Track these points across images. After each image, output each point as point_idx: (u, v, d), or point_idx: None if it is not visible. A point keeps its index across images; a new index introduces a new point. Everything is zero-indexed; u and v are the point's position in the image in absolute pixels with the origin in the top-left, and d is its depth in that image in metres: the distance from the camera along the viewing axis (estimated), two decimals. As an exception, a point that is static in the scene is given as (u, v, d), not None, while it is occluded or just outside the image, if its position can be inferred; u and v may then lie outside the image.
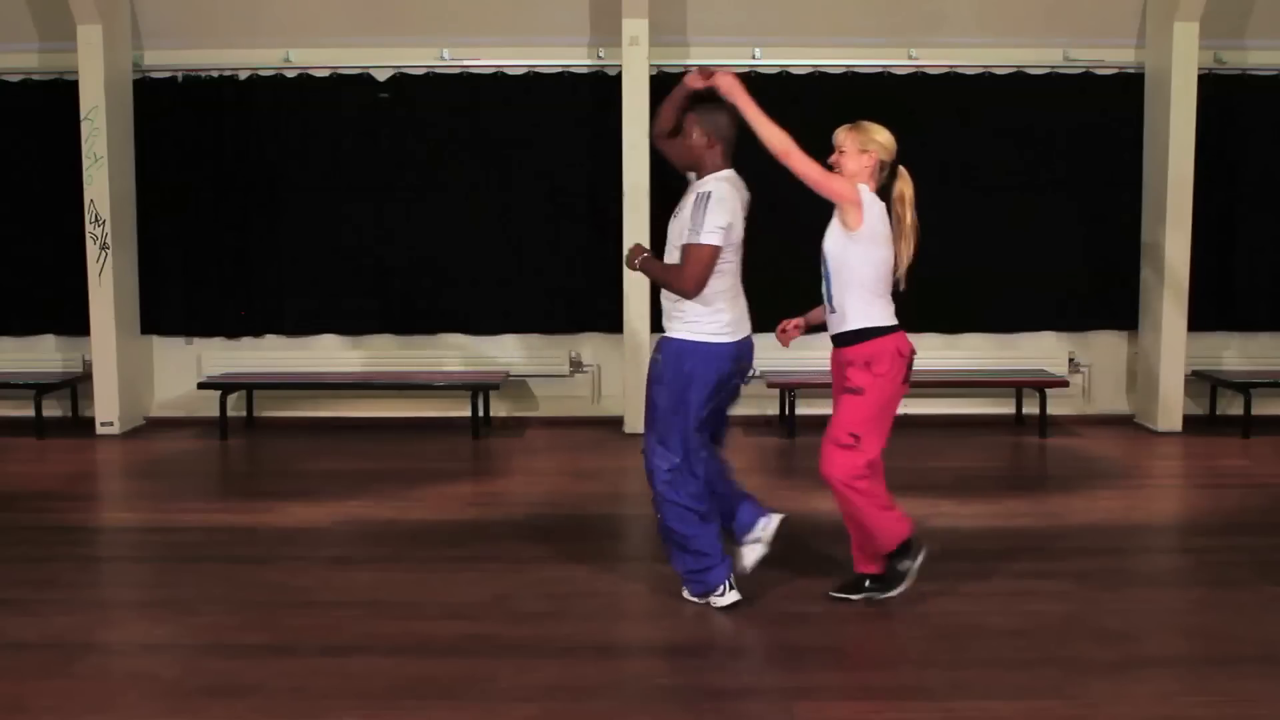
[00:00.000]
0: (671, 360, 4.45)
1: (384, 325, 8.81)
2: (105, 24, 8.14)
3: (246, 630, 4.38)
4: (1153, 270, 8.44)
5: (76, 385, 8.74)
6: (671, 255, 4.50)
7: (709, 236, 4.32)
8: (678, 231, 4.47)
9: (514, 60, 8.54)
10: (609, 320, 8.57)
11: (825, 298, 4.51)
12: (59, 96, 8.44)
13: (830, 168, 4.42)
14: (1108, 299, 8.69)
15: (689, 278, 4.34)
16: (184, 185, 8.67)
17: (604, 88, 8.46)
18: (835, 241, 4.43)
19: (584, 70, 8.57)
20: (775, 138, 4.25)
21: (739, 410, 9.27)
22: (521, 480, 7.04)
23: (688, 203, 4.45)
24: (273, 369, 8.79)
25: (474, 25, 8.49)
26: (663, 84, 8.40)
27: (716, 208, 4.34)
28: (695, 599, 4.59)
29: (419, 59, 8.55)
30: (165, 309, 8.78)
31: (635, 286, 8.26)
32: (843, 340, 4.47)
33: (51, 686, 3.85)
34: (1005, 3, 8.40)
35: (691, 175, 4.62)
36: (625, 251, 4.55)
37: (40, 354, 8.88)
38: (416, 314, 8.79)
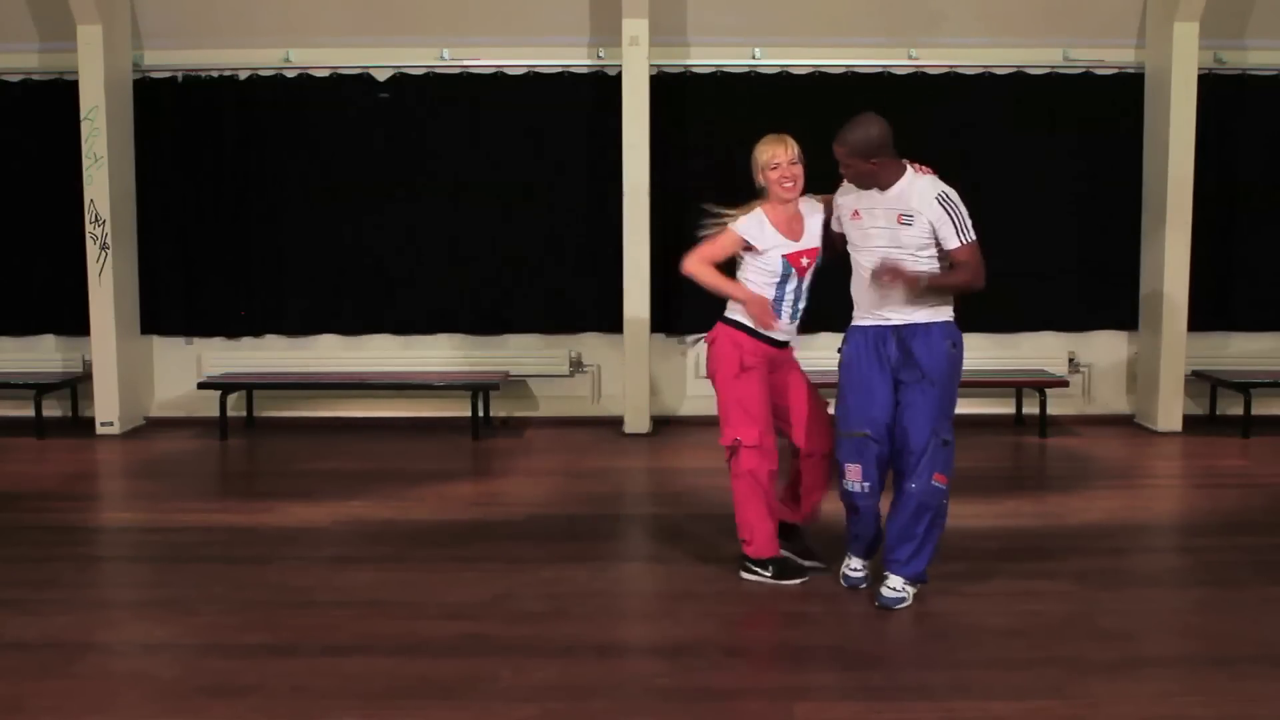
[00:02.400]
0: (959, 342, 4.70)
1: (384, 325, 8.81)
2: (105, 24, 8.14)
3: (246, 630, 4.37)
4: (1153, 270, 8.43)
5: (76, 385, 8.74)
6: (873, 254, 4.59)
7: (972, 232, 4.61)
8: (914, 237, 4.54)
9: (514, 60, 8.54)
10: (609, 320, 8.57)
11: (794, 304, 4.84)
12: (59, 96, 8.44)
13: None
14: (1108, 299, 8.69)
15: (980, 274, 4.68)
16: (184, 185, 8.67)
17: (604, 88, 8.46)
18: (820, 239, 4.87)
19: (584, 70, 8.57)
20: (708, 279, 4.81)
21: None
22: (521, 480, 7.04)
23: (920, 203, 4.51)
24: (273, 369, 8.79)
25: (474, 25, 8.49)
26: (663, 84, 8.42)
27: (960, 205, 4.58)
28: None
29: (419, 59, 8.55)
30: (165, 309, 8.78)
31: (635, 286, 8.26)
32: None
33: (51, 686, 3.85)
34: (1005, 3, 8.40)
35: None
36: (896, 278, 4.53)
37: (40, 354, 8.88)
38: (416, 314, 8.78)
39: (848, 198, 4.73)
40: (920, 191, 4.54)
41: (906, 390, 4.56)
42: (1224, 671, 3.93)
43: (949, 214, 4.53)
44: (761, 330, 4.78)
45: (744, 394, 4.76)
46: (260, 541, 5.61)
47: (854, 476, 4.61)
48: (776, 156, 4.70)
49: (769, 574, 4.82)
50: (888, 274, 4.47)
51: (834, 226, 4.85)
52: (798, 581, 4.80)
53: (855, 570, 4.83)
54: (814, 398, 4.94)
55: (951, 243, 4.56)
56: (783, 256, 4.74)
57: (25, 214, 8.67)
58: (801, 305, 4.86)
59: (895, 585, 4.56)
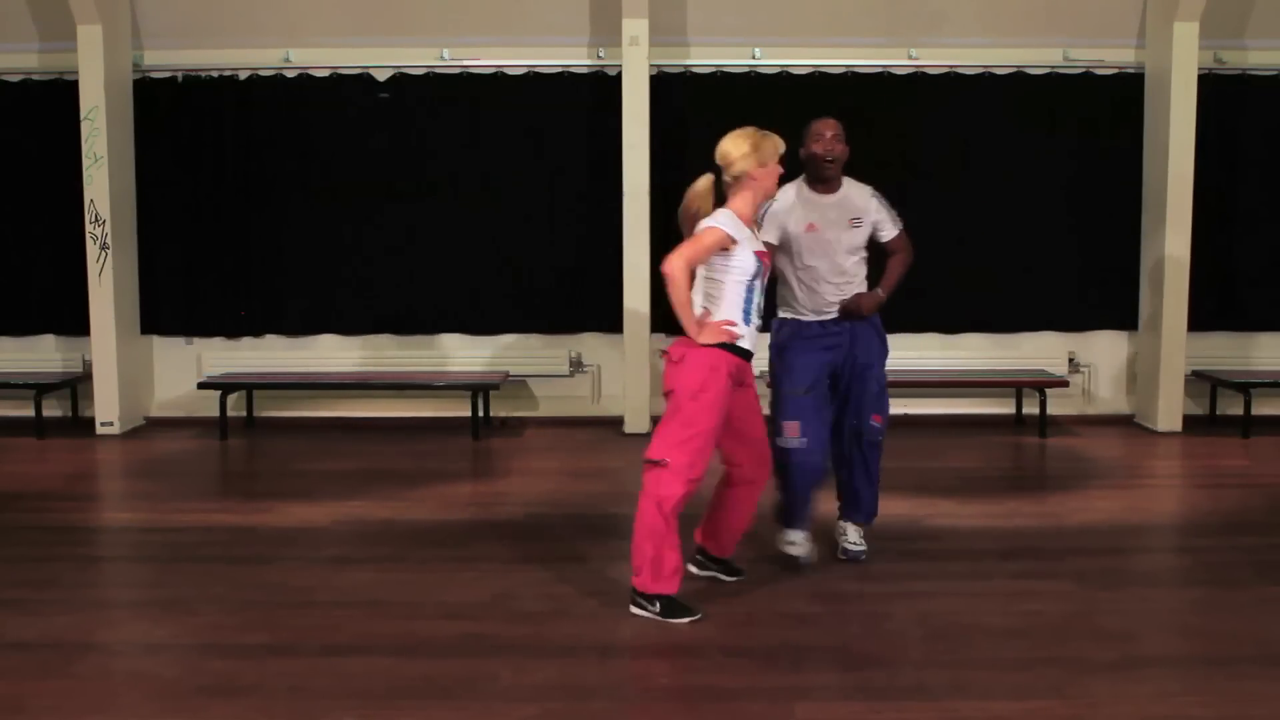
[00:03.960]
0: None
1: (384, 325, 8.82)
2: (105, 24, 8.15)
3: (246, 630, 4.38)
4: (1153, 270, 8.43)
5: (76, 385, 8.74)
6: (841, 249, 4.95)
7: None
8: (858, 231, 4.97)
9: (514, 60, 8.55)
10: (609, 320, 8.57)
11: (761, 308, 4.62)
12: (59, 96, 8.45)
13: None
14: (1108, 299, 8.69)
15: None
16: (184, 185, 8.67)
17: (604, 88, 8.46)
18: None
19: (584, 70, 8.57)
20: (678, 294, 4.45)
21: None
22: (521, 480, 7.04)
23: (864, 204, 4.98)
24: (273, 369, 8.79)
25: (474, 25, 8.49)
26: (663, 84, 8.43)
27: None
28: None
29: (419, 59, 8.55)
30: (165, 309, 8.79)
31: (635, 286, 8.26)
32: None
33: (51, 686, 3.85)
34: (1005, 3, 8.40)
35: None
36: (859, 306, 4.95)
37: (40, 354, 8.88)
38: (416, 314, 8.79)
39: (792, 214, 4.87)
40: (860, 194, 5.00)
41: (856, 373, 4.97)
42: (1223, 671, 3.94)
43: (886, 208, 5.04)
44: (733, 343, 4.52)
45: (699, 417, 4.40)
46: (260, 541, 5.61)
47: (792, 432, 4.83)
48: (779, 158, 4.54)
49: (656, 610, 4.42)
50: (866, 309, 4.93)
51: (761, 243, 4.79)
52: (686, 620, 4.39)
53: (795, 543, 5.05)
54: (763, 422, 4.72)
55: (891, 232, 5.05)
56: (754, 253, 4.51)
57: (25, 214, 8.67)
58: (761, 308, 4.65)
59: (855, 539, 5.15)
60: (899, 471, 6.77)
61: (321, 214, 8.65)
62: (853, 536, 5.17)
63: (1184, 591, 4.91)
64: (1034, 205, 8.59)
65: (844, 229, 4.93)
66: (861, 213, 4.96)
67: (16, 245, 8.71)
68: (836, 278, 4.93)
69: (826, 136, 4.85)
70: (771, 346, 5.07)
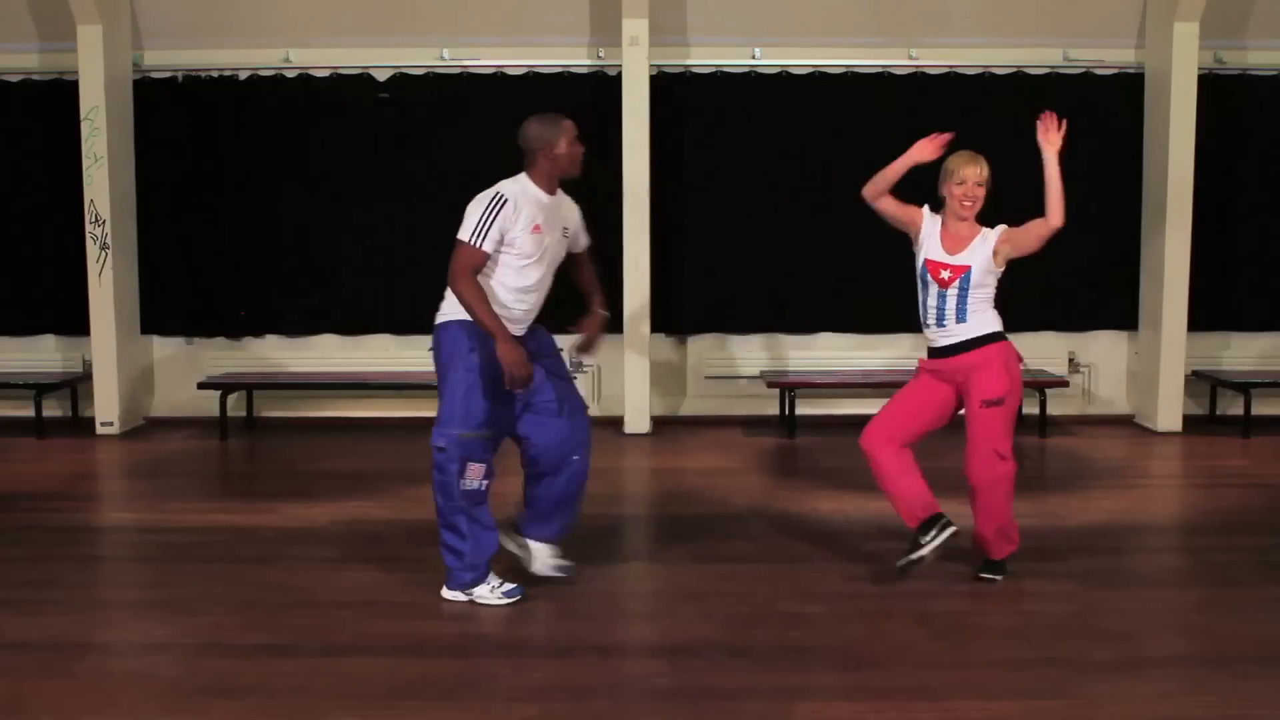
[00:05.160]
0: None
1: (384, 325, 8.81)
2: (105, 24, 8.15)
3: (246, 630, 4.38)
4: (1153, 270, 8.43)
5: (76, 385, 8.74)
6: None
7: None
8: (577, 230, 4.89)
9: (514, 60, 8.55)
10: (609, 320, 8.54)
11: (938, 313, 4.81)
12: (59, 96, 8.44)
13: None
14: (1108, 299, 8.69)
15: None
16: (184, 185, 8.67)
17: (604, 88, 8.46)
18: (983, 262, 4.86)
19: (584, 70, 8.57)
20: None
21: (740, 410, 9.27)
22: (521, 480, 7.01)
23: (576, 219, 4.88)
24: (273, 369, 8.79)
25: (474, 25, 8.49)
26: (663, 84, 8.42)
27: None
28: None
29: (419, 59, 8.55)
30: (165, 309, 8.78)
31: (635, 286, 8.27)
32: (966, 346, 4.78)
33: (51, 686, 3.85)
34: (1005, 3, 8.40)
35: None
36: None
37: (40, 354, 8.88)
38: (416, 314, 8.74)
39: (523, 212, 4.52)
40: (571, 204, 4.82)
41: (556, 380, 4.93)
42: (1224, 671, 3.94)
43: (581, 218, 4.89)
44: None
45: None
46: (260, 541, 5.61)
47: (478, 474, 4.61)
48: (966, 175, 5.01)
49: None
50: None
51: (521, 234, 4.53)
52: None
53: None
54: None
55: (585, 240, 5.00)
56: (925, 259, 4.87)
57: (25, 214, 8.67)
58: (949, 316, 4.80)
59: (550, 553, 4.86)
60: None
61: (321, 214, 8.65)
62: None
63: (1184, 591, 4.92)
64: (1034, 205, 8.53)
65: (560, 237, 4.71)
66: (570, 224, 4.79)
67: (17, 245, 8.70)
68: (543, 289, 4.74)
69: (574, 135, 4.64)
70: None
